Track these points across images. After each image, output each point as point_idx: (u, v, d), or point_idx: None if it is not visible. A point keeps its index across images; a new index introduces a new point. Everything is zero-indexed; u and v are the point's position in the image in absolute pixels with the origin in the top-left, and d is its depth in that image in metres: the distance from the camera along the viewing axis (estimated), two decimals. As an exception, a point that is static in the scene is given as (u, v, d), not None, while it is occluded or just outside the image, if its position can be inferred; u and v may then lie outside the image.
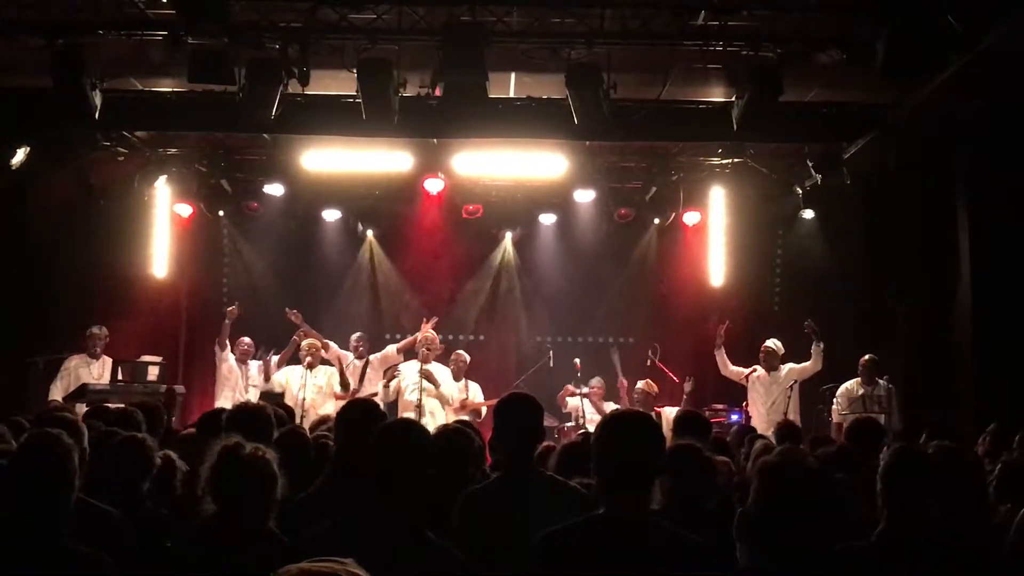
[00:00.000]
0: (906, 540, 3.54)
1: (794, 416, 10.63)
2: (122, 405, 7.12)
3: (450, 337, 12.31)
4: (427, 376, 10.64)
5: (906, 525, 3.56)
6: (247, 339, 11.57)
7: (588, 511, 3.35)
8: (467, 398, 11.08)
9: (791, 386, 11.04)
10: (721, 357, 11.57)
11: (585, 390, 11.10)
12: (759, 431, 8.07)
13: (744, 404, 11.27)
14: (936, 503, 3.64)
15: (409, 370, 10.87)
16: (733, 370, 11.56)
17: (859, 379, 10.80)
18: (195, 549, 3.54)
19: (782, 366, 11.33)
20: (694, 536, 3.23)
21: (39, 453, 3.59)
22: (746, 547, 3.15)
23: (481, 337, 13.15)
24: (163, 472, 4.75)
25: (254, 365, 11.53)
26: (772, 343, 11.42)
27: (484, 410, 10.96)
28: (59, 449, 3.57)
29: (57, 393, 10.69)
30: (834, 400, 10.86)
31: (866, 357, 10.86)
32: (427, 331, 11.05)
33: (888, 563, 3.51)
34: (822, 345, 11.19)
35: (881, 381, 10.71)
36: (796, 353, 11.42)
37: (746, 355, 11.58)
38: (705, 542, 3.23)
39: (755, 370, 11.36)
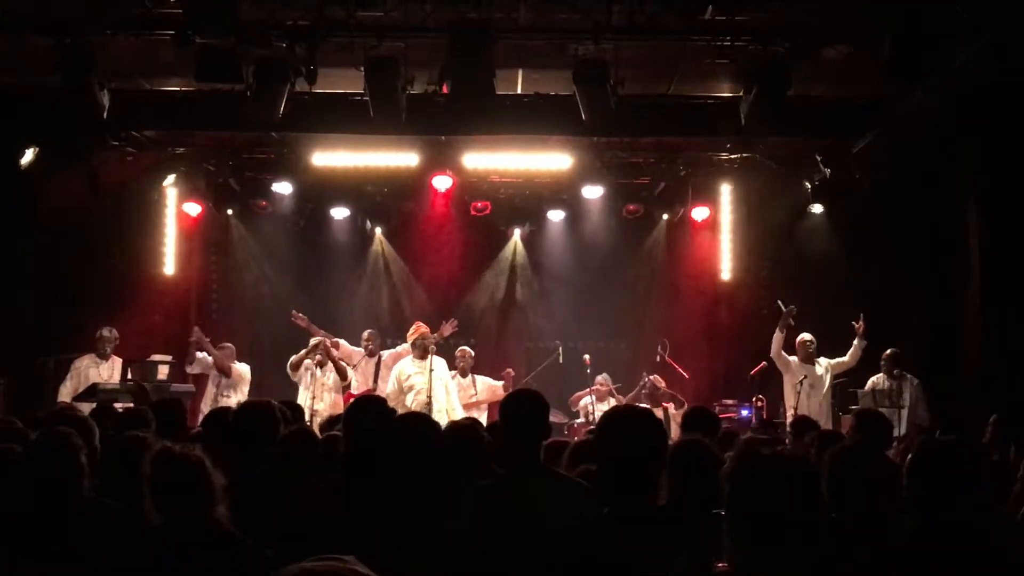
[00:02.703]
0: (937, 538, 3.41)
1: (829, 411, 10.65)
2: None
3: (459, 333, 12.26)
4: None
5: (937, 523, 3.44)
6: None
7: (595, 506, 3.35)
8: (476, 394, 11.04)
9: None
10: (779, 338, 11.07)
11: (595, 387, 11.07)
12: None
13: (754, 399, 11.17)
14: (967, 500, 3.49)
15: (414, 372, 10.79)
16: (782, 354, 11.10)
17: (883, 374, 10.70)
18: (146, 551, 3.54)
19: (817, 360, 11.15)
20: (697, 532, 3.22)
21: (49, 452, 3.61)
22: (728, 553, 3.08)
23: (490, 333, 13.13)
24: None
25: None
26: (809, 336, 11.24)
27: None
28: (68, 448, 3.60)
29: (65, 394, 10.66)
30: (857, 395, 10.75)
31: (888, 351, 10.74)
32: (448, 331, 10.97)
33: (921, 562, 3.39)
34: (865, 343, 10.98)
35: (908, 375, 10.64)
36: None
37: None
38: (707, 538, 3.21)
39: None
